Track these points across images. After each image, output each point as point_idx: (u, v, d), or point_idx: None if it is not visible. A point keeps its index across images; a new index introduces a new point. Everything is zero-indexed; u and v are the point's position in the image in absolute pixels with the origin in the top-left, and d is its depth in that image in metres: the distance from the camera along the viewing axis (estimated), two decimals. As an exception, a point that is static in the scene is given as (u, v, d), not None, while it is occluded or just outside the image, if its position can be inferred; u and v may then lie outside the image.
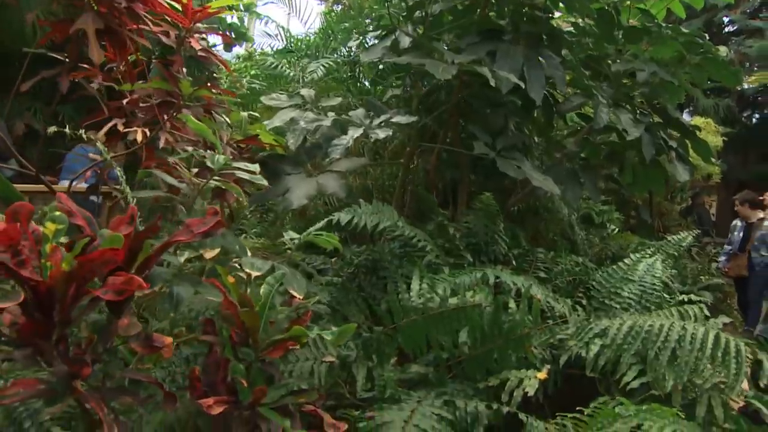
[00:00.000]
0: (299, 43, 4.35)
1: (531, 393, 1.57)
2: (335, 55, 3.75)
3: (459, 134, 3.44)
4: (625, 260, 2.29)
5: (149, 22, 1.93)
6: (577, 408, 1.56)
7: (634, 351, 1.72)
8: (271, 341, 1.30)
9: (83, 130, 1.75)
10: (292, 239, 1.71)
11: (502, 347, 1.75)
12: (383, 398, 1.57)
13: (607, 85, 3.41)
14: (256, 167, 1.58)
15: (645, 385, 1.68)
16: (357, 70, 3.80)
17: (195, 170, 1.86)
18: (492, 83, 2.16)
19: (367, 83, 3.93)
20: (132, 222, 1.16)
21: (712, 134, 8.43)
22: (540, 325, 1.84)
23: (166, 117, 2.02)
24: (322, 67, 3.25)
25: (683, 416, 1.46)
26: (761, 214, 5.14)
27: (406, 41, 2.54)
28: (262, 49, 5.50)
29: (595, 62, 3.59)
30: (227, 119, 2.25)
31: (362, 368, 1.63)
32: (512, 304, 1.81)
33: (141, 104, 2.08)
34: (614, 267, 2.27)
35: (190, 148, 2.36)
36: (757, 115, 10.86)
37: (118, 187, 1.64)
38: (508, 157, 2.77)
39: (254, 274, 1.46)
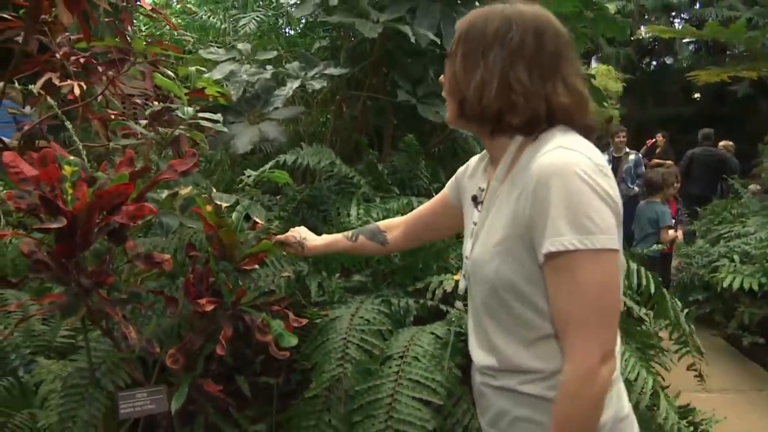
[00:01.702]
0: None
1: (449, 289, 2.02)
2: (263, 8, 3.92)
3: (383, 82, 3.77)
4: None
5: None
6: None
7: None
8: (245, 254, 1.64)
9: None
10: (249, 176, 2.02)
11: (425, 258, 2.18)
12: (333, 302, 1.97)
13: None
14: (219, 116, 1.86)
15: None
16: (286, 22, 4.00)
17: (143, 121, 2.09)
18: (413, 40, 2.49)
19: (292, 33, 4.14)
20: (131, 164, 1.45)
21: (613, 80, 9.23)
22: (455, 240, 2.28)
23: (111, 73, 2.20)
24: (254, 21, 3.44)
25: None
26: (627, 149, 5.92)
27: (334, -1, 2.81)
28: (179, -5, 5.45)
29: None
30: (172, 73, 2.47)
31: (314, 280, 2.01)
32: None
33: (73, 57, 2.23)
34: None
35: (138, 101, 2.57)
36: (654, 62, 11.87)
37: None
38: (428, 103, 3.15)
39: (224, 205, 1.77)
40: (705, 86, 8.95)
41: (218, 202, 1.79)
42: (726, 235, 4.62)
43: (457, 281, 2.11)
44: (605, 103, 4.55)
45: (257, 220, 1.82)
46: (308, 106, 4.12)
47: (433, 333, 1.78)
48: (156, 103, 2.36)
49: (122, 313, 1.47)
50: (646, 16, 9.88)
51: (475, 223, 1.08)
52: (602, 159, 0.91)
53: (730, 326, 4.26)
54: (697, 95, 11.39)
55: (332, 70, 2.75)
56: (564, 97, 0.93)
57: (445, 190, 1.31)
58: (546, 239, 0.86)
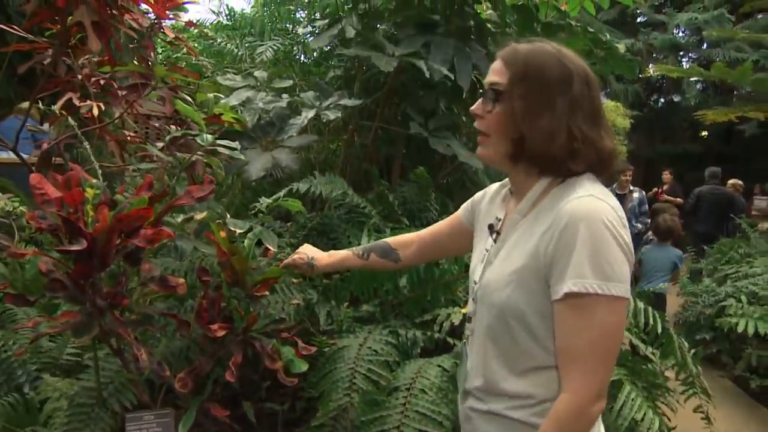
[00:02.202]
0: (243, 20, 4.56)
1: (456, 322, 2.02)
2: (280, 37, 4.02)
3: (395, 113, 3.84)
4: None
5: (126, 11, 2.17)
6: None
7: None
8: (256, 281, 1.66)
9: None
10: (263, 203, 2.06)
11: (434, 290, 2.19)
12: (341, 330, 1.98)
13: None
14: (236, 144, 1.90)
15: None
16: (302, 51, 4.09)
17: (159, 144, 2.14)
18: (426, 74, 2.55)
19: (306, 61, 4.24)
20: (150, 188, 1.48)
21: (621, 117, 9.31)
22: (463, 273, 2.30)
23: (128, 95, 2.26)
24: (270, 49, 3.53)
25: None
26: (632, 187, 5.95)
27: (351, 31, 2.88)
28: (199, 21, 5.60)
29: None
30: (190, 98, 2.53)
31: (323, 309, 2.02)
32: (442, 257, 2.25)
33: (93, 78, 2.29)
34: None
35: (156, 124, 2.62)
36: (662, 100, 11.98)
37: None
38: (438, 136, 3.20)
39: (238, 231, 1.80)
40: (713, 125, 9.01)
41: (232, 228, 1.83)
42: (733, 275, 4.60)
43: (464, 314, 2.12)
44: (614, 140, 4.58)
45: (269, 246, 1.84)
46: (320, 133, 4.19)
47: (440, 366, 1.79)
48: (173, 127, 2.42)
49: (134, 334, 1.49)
50: (654, 55, 10.03)
51: (487, 250, 1.12)
52: (622, 211, 0.96)
53: (738, 368, 4.21)
54: (704, 133, 11.46)
55: (346, 101, 2.81)
56: (608, 142, 0.99)
57: (459, 212, 1.34)
58: (569, 279, 0.90)
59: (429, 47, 3.05)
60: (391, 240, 1.51)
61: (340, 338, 1.89)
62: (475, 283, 1.12)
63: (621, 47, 4.20)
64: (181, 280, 1.50)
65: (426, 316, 2.15)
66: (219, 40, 4.12)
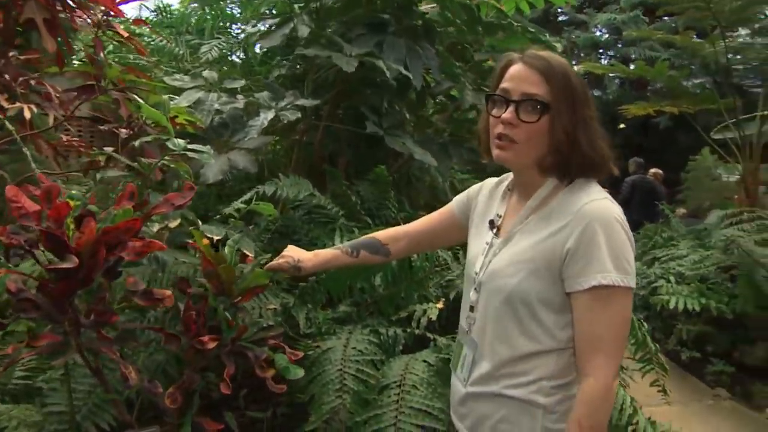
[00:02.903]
0: (180, 18, 4.39)
1: (434, 318, 2.07)
2: (222, 36, 3.90)
3: (341, 112, 3.83)
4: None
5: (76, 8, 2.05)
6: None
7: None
8: (242, 289, 1.62)
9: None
10: (236, 209, 2.00)
11: (408, 287, 2.22)
12: (321, 333, 1.97)
13: (470, 72, 4.01)
14: (207, 148, 1.84)
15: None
16: (243, 50, 4.00)
17: (108, 149, 2.02)
18: (388, 74, 2.57)
19: (246, 60, 4.14)
20: (132, 197, 1.41)
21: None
22: (434, 269, 2.34)
23: (78, 97, 2.14)
24: (215, 48, 3.43)
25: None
26: None
27: (305, 30, 2.86)
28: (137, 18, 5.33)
29: (459, 51, 4.18)
30: (141, 100, 2.41)
31: (301, 312, 2.00)
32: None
33: (20, 78, 2.14)
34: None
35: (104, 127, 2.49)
36: (582, 94, 12.63)
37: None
38: (393, 135, 3.23)
39: (215, 238, 1.75)
40: (631, 118, 9.61)
41: (209, 235, 1.77)
42: (661, 258, 4.94)
43: (440, 309, 2.17)
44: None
45: (247, 253, 1.80)
46: (267, 134, 4.11)
47: (425, 361, 1.82)
48: (123, 131, 2.31)
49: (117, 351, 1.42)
50: (576, 52, 10.61)
51: (488, 243, 1.19)
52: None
53: (669, 342, 4.55)
54: (622, 126, 12.18)
55: (303, 101, 2.78)
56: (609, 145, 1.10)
57: (452, 205, 1.39)
58: (596, 273, 0.99)
59: (381, 47, 3.08)
60: (379, 235, 1.53)
61: (323, 341, 1.88)
62: (476, 274, 1.18)
63: (558, 46, 4.41)
64: (168, 292, 1.44)
65: (401, 313, 2.18)
66: (156, 39, 3.95)
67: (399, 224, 3.30)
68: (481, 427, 1.13)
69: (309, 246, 2.61)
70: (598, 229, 0.99)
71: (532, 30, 3.94)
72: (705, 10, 5.05)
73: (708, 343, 4.24)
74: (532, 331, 1.06)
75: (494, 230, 1.19)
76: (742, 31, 6.41)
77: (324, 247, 2.58)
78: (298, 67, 3.76)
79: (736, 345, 4.17)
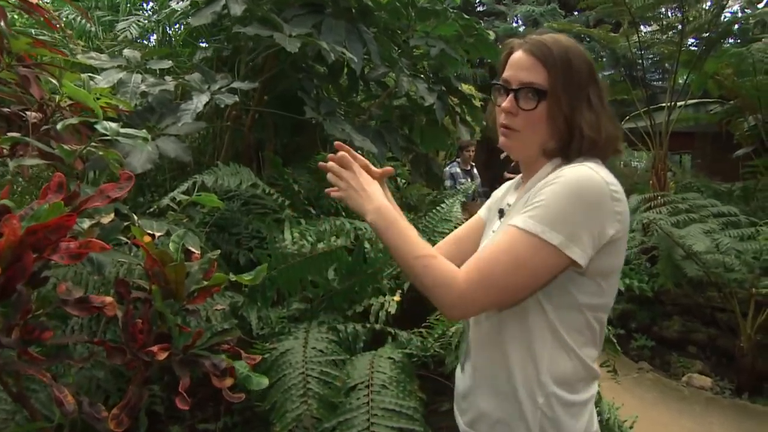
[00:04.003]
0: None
1: (393, 312, 1.98)
2: (141, 12, 3.57)
3: (270, 97, 3.64)
4: (441, 205, 2.84)
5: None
6: (427, 321, 2.04)
7: (457, 272, 2.25)
8: (193, 290, 1.45)
9: None
10: (176, 200, 1.80)
11: (362, 281, 2.12)
12: (276, 333, 1.82)
13: (405, 58, 3.94)
14: (143, 132, 1.63)
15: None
16: (161, 29, 3.69)
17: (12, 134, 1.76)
18: (332, 57, 2.44)
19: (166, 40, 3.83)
20: (60, 189, 1.20)
21: (476, 99, 9.87)
22: (388, 261, 2.25)
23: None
24: (135, 26, 3.12)
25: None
26: None
27: (237, 8, 2.64)
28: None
29: (390, 36, 4.10)
30: (54, 80, 2.13)
31: (252, 312, 1.85)
32: (367, 245, 2.19)
33: None
34: (433, 211, 2.81)
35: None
36: (500, 83, 13.02)
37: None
38: (332, 121, 3.10)
39: (157, 234, 1.56)
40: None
41: (149, 232, 1.57)
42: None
43: (398, 302, 2.08)
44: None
45: (193, 249, 1.62)
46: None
47: (390, 358, 1.74)
48: (33, 114, 2.03)
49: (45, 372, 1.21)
50: (495, 42, 10.81)
51: (494, 231, 1.14)
52: (618, 186, 0.97)
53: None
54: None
55: (240, 84, 2.58)
56: (614, 126, 1.03)
57: (481, 212, 1.29)
58: (523, 215, 0.93)
59: (320, 28, 2.92)
60: None
61: (279, 342, 1.74)
62: None
63: (491, 35, 4.44)
64: (109, 299, 1.25)
65: (357, 308, 2.08)
66: (64, 12, 3.53)
67: (341, 214, 3.20)
68: (480, 425, 1.06)
69: (251, 240, 2.45)
70: (557, 184, 0.92)
71: (467, 18, 3.93)
72: (620, 5, 5.28)
73: (631, 320, 4.48)
74: (535, 322, 0.97)
75: (502, 218, 1.14)
76: (649, 28, 6.80)
77: (265, 239, 2.43)
78: (225, 48, 3.52)
79: (655, 320, 4.44)
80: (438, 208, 2.74)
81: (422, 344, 1.90)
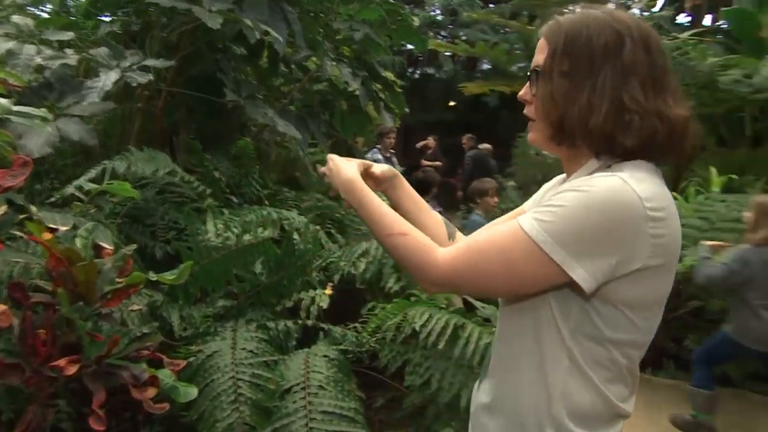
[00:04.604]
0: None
1: (325, 306, 1.90)
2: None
3: (186, 77, 3.40)
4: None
5: None
6: (362, 315, 1.97)
7: (391, 263, 2.19)
8: (107, 292, 1.29)
9: None
10: (83, 189, 1.60)
11: (291, 274, 2.01)
12: (200, 333, 1.68)
13: (327, 41, 3.81)
14: (43, 111, 1.42)
15: (403, 288, 2.18)
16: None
17: None
18: (256, 36, 2.29)
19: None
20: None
21: (396, 86, 9.83)
22: (318, 253, 2.16)
23: None
24: (26, -9, 2.77)
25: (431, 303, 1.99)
26: None
27: (149, -23, 2.41)
28: None
29: (313, 19, 3.95)
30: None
31: (173, 311, 1.69)
32: (296, 236, 2.08)
33: None
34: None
35: None
36: (418, 72, 13.12)
37: None
38: (254, 104, 2.93)
39: (62, 228, 1.36)
40: (462, 96, 10.19)
41: (52, 225, 1.38)
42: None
43: (330, 296, 2.00)
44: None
45: (104, 245, 1.45)
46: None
47: (326, 356, 1.65)
48: None
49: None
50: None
51: None
52: (657, 203, 0.80)
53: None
54: (452, 103, 12.91)
55: (153, 62, 2.36)
56: (678, 110, 0.84)
57: (526, 204, 1.16)
58: (530, 216, 0.80)
59: (241, 5, 2.73)
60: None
61: (204, 343, 1.60)
62: None
63: (416, 21, 4.39)
64: (3, 307, 1.07)
65: (286, 303, 1.97)
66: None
67: (263, 202, 3.05)
68: None
69: (167, 231, 2.26)
70: (580, 196, 0.77)
71: (392, 2, 3.85)
72: (539, -2, 5.43)
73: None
74: (549, 340, 0.84)
75: None
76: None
77: (184, 231, 2.25)
78: (134, 23, 3.22)
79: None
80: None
81: (357, 339, 1.84)
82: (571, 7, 0.89)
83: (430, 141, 9.42)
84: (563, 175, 0.98)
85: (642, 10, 6.95)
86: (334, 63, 3.67)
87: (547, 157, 8.08)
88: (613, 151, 0.84)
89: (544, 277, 0.79)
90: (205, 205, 2.08)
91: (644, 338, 0.85)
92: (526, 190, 7.68)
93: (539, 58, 0.87)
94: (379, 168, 1.06)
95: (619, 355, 0.83)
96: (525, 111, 0.90)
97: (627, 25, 0.85)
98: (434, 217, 1.12)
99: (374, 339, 1.85)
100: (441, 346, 1.77)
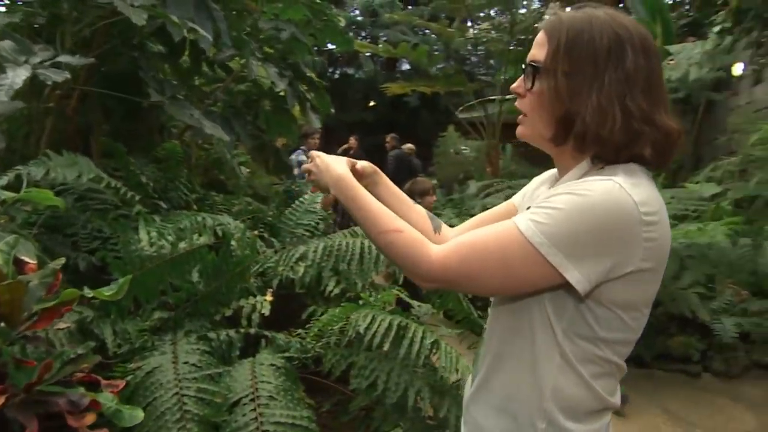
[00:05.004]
0: None
1: (267, 313, 1.85)
2: None
3: (100, 76, 3.20)
4: (305, 196, 2.74)
5: None
6: (302, 320, 1.93)
7: (330, 266, 2.18)
8: (34, 312, 1.18)
9: None
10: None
11: (229, 281, 1.95)
12: (137, 349, 1.59)
13: (253, 41, 3.71)
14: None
15: (343, 291, 2.17)
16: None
17: None
18: (183, 33, 2.19)
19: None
20: None
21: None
22: (254, 260, 2.11)
23: None
24: None
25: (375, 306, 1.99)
26: None
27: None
28: None
29: (240, 18, 3.84)
30: None
31: (106, 326, 1.59)
32: (233, 242, 2.01)
33: None
34: (297, 202, 2.69)
35: None
36: (338, 72, 13.11)
37: None
38: (179, 105, 2.80)
39: (-23, 243, 1.24)
40: (382, 96, 10.30)
41: (-34, 240, 1.25)
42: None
43: (271, 302, 1.96)
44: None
45: (27, 260, 1.33)
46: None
47: (272, 364, 1.61)
48: None
49: None
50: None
51: None
52: (652, 207, 0.82)
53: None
54: (372, 103, 13.02)
55: (68, 59, 2.19)
56: (671, 121, 0.85)
57: (515, 199, 1.12)
58: (528, 215, 0.81)
59: (165, 0, 2.60)
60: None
61: (143, 359, 1.52)
62: None
63: (342, 22, 4.37)
64: None
65: (225, 311, 1.91)
66: None
67: (192, 207, 2.93)
68: None
69: (91, 241, 2.12)
70: (577, 200, 0.78)
71: (318, 2, 3.81)
72: (457, 2, 5.59)
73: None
74: (541, 338, 0.86)
75: None
76: (479, 26, 7.31)
77: (109, 240, 2.12)
78: (40, 15, 2.98)
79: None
80: (301, 199, 2.63)
81: (302, 346, 1.81)
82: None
83: (352, 141, 9.44)
84: (554, 171, 1.00)
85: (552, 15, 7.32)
86: (260, 63, 3.59)
87: (467, 156, 8.37)
88: (612, 155, 0.85)
89: (540, 277, 0.81)
90: (135, 212, 1.97)
91: (634, 336, 0.88)
92: (448, 189, 7.90)
93: (538, 52, 0.87)
94: (360, 164, 1.07)
95: (611, 353, 0.86)
96: (517, 104, 0.91)
97: (627, 30, 0.85)
98: (418, 212, 1.13)
99: (319, 344, 1.83)
100: (386, 347, 1.78)
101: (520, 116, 0.92)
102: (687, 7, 8.70)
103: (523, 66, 0.91)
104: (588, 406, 0.87)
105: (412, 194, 4.22)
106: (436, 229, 1.11)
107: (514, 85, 0.91)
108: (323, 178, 0.99)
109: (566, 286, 0.81)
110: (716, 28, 6.31)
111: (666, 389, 3.66)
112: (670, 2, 9.16)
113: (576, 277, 0.79)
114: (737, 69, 6.26)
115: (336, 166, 0.98)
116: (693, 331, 3.96)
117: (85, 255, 2.04)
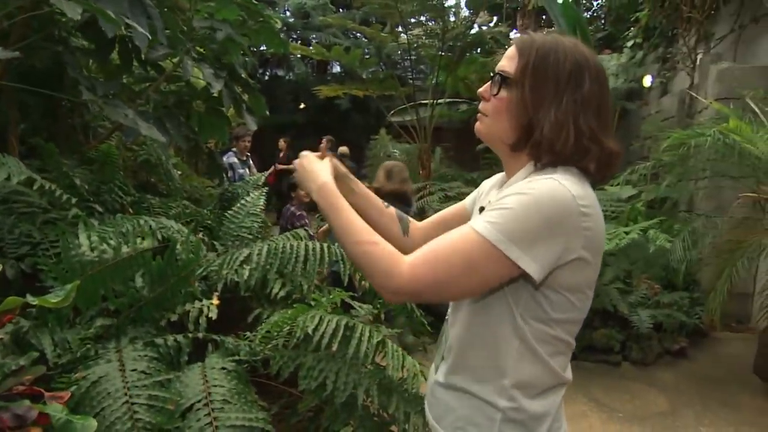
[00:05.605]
0: None
1: (215, 317, 1.83)
2: None
3: (17, 71, 3.02)
4: (247, 198, 2.71)
5: None
6: (248, 323, 1.92)
7: (275, 269, 2.18)
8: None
9: None
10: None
11: (174, 286, 1.90)
12: (79, 359, 1.53)
13: (188, 40, 3.62)
14: None
15: (288, 294, 2.17)
16: None
17: None
18: (121, 29, 2.12)
19: None
20: None
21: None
22: (198, 263, 2.07)
23: None
24: None
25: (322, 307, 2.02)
26: None
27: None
28: None
29: (173, 16, 3.73)
30: None
31: (44, 336, 1.51)
32: (178, 245, 1.97)
33: None
34: (239, 205, 2.65)
35: None
36: (268, 73, 12.93)
37: None
38: (113, 104, 2.69)
39: None
40: (313, 98, 10.28)
41: None
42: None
43: (217, 306, 1.94)
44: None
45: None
46: None
47: (223, 368, 1.60)
48: None
49: None
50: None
51: None
52: (588, 200, 0.92)
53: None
54: (303, 105, 12.94)
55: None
56: (613, 143, 0.97)
57: (466, 200, 1.24)
58: (484, 219, 0.89)
59: (95, -6, 2.49)
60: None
61: (87, 368, 1.46)
62: None
63: (278, 23, 4.33)
64: None
65: (171, 316, 1.87)
66: None
67: (127, 210, 2.81)
68: (444, 421, 1.04)
69: (19, 246, 2.01)
70: (525, 198, 0.88)
71: (255, 2, 3.77)
72: (390, 7, 5.69)
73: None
74: (501, 330, 0.95)
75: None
76: (412, 32, 7.47)
77: (39, 245, 2.02)
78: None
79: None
80: (243, 202, 2.60)
81: (251, 348, 1.80)
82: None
83: (282, 143, 9.35)
84: (502, 174, 1.12)
85: (480, 25, 7.61)
86: (195, 63, 3.51)
87: (398, 159, 8.50)
88: (561, 165, 0.96)
89: (502, 273, 0.90)
90: (72, 215, 1.88)
91: (581, 316, 1.00)
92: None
93: (508, 64, 0.99)
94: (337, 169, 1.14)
95: (562, 332, 0.97)
96: (480, 106, 1.02)
97: (587, 59, 0.97)
98: (389, 215, 1.21)
99: (268, 347, 1.83)
100: (335, 347, 1.81)
101: (479, 115, 1.03)
102: (603, 21, 9.30)
103: (492, 74, 1.01)
104: (545, 383, 0.98)
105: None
106: (405, 232, 1.19)
107: (481, 89, 1.01)
108: (306, 181, 1.04)
109: (524, 276, 0.91)
110: (629, 43, 6.82)
111: (592, 379, 3.91)
112: (588, 16, 9.76)
113: (533, 267, 0.88)
114: (647, 81, 6.79)
115: (321, 173, 1.04)
116: (614, 323, 4.26)
117: (13, 262, 1.93)
